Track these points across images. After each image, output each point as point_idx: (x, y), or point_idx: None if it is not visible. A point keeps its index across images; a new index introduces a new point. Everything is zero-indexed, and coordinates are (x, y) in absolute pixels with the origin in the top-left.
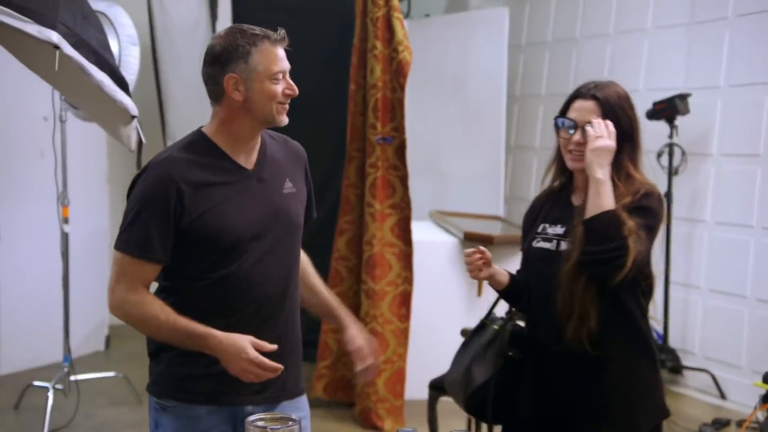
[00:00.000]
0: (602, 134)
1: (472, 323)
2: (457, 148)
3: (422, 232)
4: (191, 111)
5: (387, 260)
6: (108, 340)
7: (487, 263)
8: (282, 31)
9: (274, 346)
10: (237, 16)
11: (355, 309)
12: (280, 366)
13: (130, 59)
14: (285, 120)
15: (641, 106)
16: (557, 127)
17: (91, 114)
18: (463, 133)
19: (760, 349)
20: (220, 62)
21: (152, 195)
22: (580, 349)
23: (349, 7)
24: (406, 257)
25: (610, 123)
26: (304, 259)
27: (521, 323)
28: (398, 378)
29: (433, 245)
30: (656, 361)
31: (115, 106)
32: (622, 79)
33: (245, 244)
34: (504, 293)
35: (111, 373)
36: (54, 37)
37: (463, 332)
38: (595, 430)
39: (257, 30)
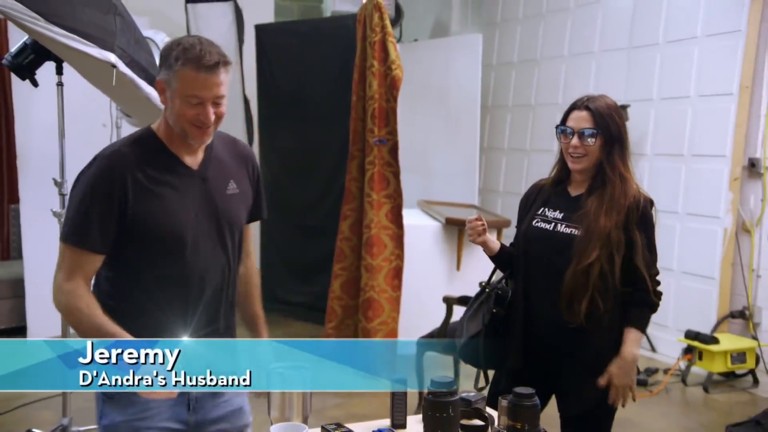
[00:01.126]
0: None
1: (453, 292)
2: (440, 149)
3: (411, 217)
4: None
5: (382, 240)
6: None
7: (485, 230)
8: (220, 58)
9: (174, 393)
10: (259, 40)
11: (356, 281)
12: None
13: None
14: (202, 140)
15: None
16: (558, 134)
17: (141, 121)
18: (445, 137)
19: (683, 312)
20: (160, 63)
21: (97, 187)
22: (577, 322)
23: (351, 33)
24: (398, 238)
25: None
26: (251, 267)
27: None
28: (391, 336)
29: (420, 228)
30: None
31: (160, 114)
32: (573, 93)
33: (185, 242)
34: (495, 259)
35: None
36: (112, 58)
37: (445, 299)
38: (582, 386)
39: (197, 49)
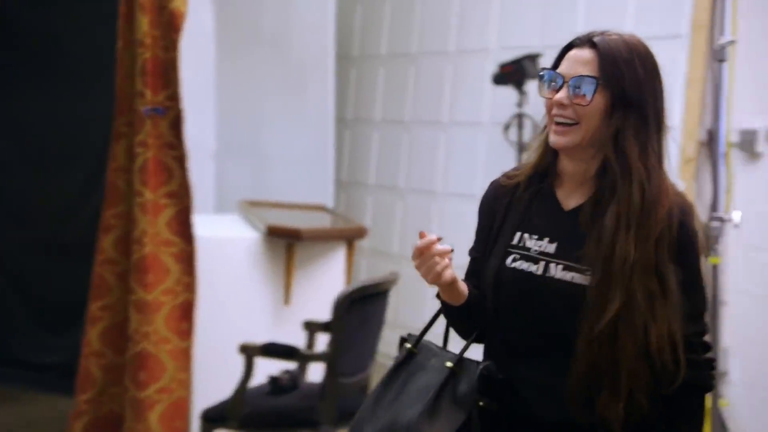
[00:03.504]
0: None
1: (279, 337)
2: (279, 123)
3: (218, 226)
4: None
5: (163, 263)
6: None
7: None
8: None
9: None
10: None
11: (126, 327)
12: None
13: None
14: None
15: (492, 68)
16: (540, 85)
17: None
18: (286, 104)
19: None
20: None
21: None
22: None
23: None
24: (187, 258)
25: None
26: None
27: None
28: (178, 411)
29: (227, 243)
30: None
31: None
32: (469, 35)
33: None
34: (458, 313)
35: None
36: None
37: (243, 348)
38: None
39: None
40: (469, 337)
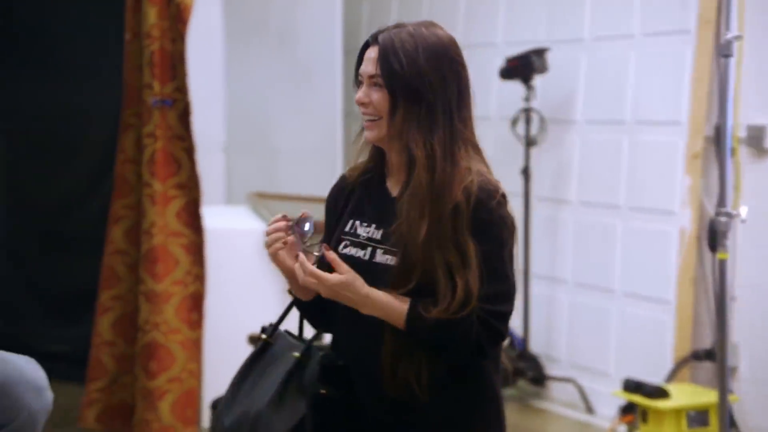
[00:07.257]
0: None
1: (288, 328)
2: (288, 117)
3: (228, 218)
4: None
5: (172, 253)
6: None
7: (292, 245)
8: None
9: None
10: None
11: (136, 317)
12: None
13: None
14: None
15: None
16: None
17: None
18: (294, 98)
19: (628, 352)
20: None
21: None
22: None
23: None
24: (196, 249)
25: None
26: None
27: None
28: (189, 400)
29: (236, 234)
30: (503, 414)
31: None
32: (476, 30)
33: None
34: (307, 308)
35: None
36: None
37: (252, 339)
38: None
39: None
40: (321, 326)
